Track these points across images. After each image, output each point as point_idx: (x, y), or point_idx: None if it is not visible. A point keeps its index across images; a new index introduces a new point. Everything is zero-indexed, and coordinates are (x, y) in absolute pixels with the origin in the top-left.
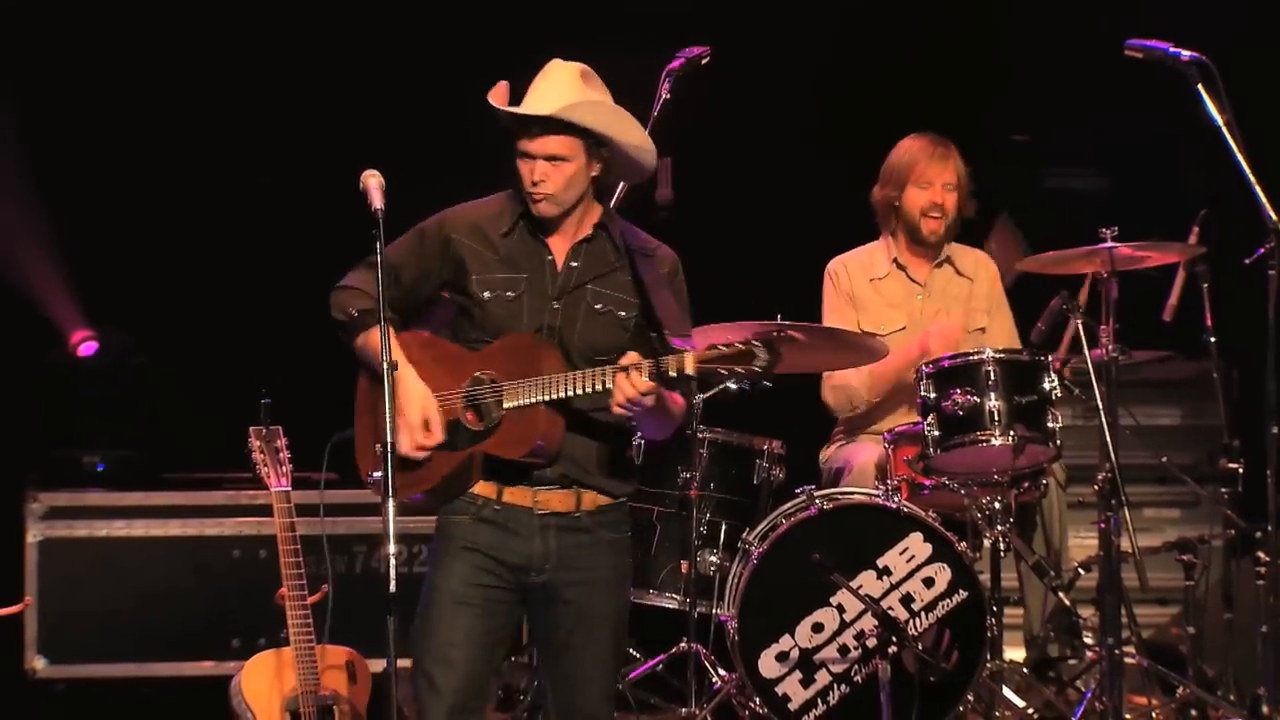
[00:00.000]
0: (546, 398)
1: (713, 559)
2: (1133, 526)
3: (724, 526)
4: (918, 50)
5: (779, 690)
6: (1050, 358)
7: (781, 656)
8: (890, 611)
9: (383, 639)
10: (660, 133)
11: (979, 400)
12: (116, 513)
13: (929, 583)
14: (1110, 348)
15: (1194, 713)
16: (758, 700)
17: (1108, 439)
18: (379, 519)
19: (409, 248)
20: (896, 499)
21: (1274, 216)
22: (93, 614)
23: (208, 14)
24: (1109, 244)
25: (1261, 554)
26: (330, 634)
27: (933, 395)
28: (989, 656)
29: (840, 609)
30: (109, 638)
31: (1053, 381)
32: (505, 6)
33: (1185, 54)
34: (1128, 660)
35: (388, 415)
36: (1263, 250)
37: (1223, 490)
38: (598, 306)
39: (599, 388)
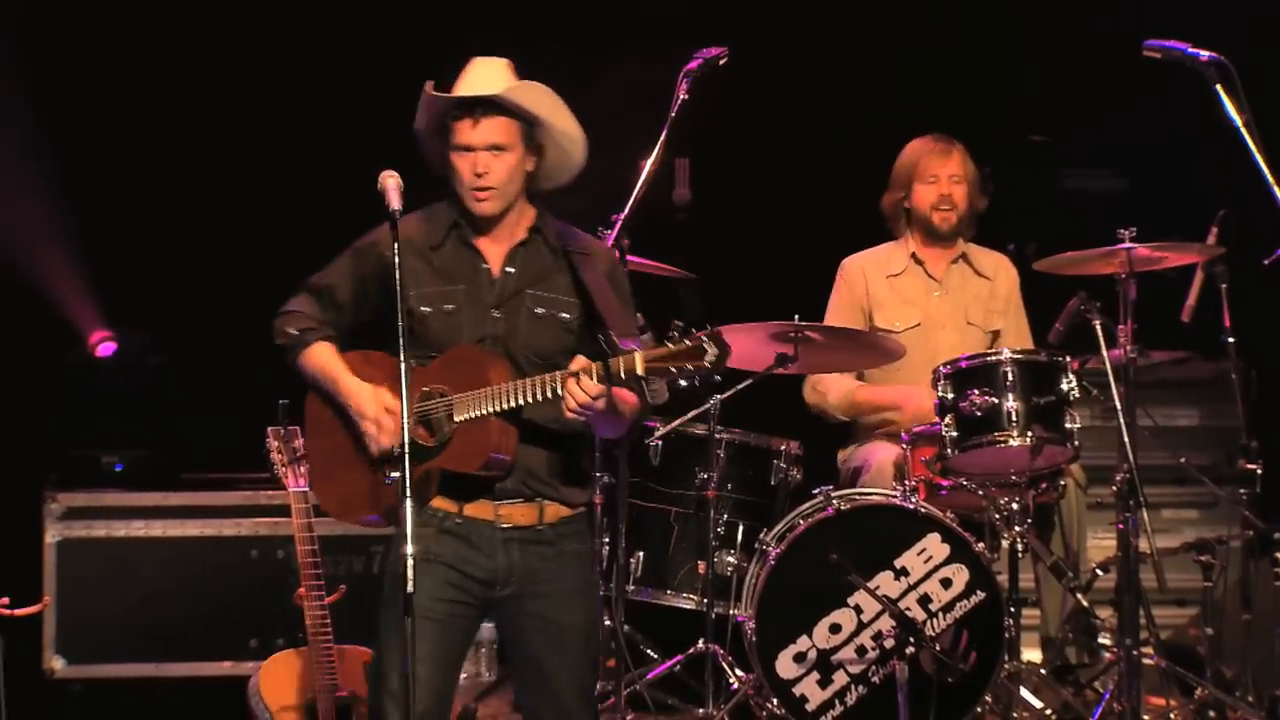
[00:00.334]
0: (497, 408)
1: (730, 559)
2: (1151, 527)
3: (741, 527)
4: (936, 51)
5: (796, 691)
6: (1068, 358)
7: (799, 657)
8: (908, 612)
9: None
10: (678, 134)
11: (997, 401)
12: (134, 513)
13: (947, 583)
14: (1128, 348)
15: (1212, 714)
16: (775, 701)
17: (1126, 440)
18: None
19: (344, 269)
20: (914, 499)
21: None
22: (111, 614)
23: (228, 15)
24: (1127, 244)
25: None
26: (348, 634)
27: (951, 396)
28: (1007, 657)
29: (858, 610)
30: (127, 638)
31: (1071, 382)
32: (520, 10)
33: (1204, 54)
34: (1146, 661)
35: (404, 414)
36: None
37: (1241, 491)
38: (539, 311)
39: (548, 395)
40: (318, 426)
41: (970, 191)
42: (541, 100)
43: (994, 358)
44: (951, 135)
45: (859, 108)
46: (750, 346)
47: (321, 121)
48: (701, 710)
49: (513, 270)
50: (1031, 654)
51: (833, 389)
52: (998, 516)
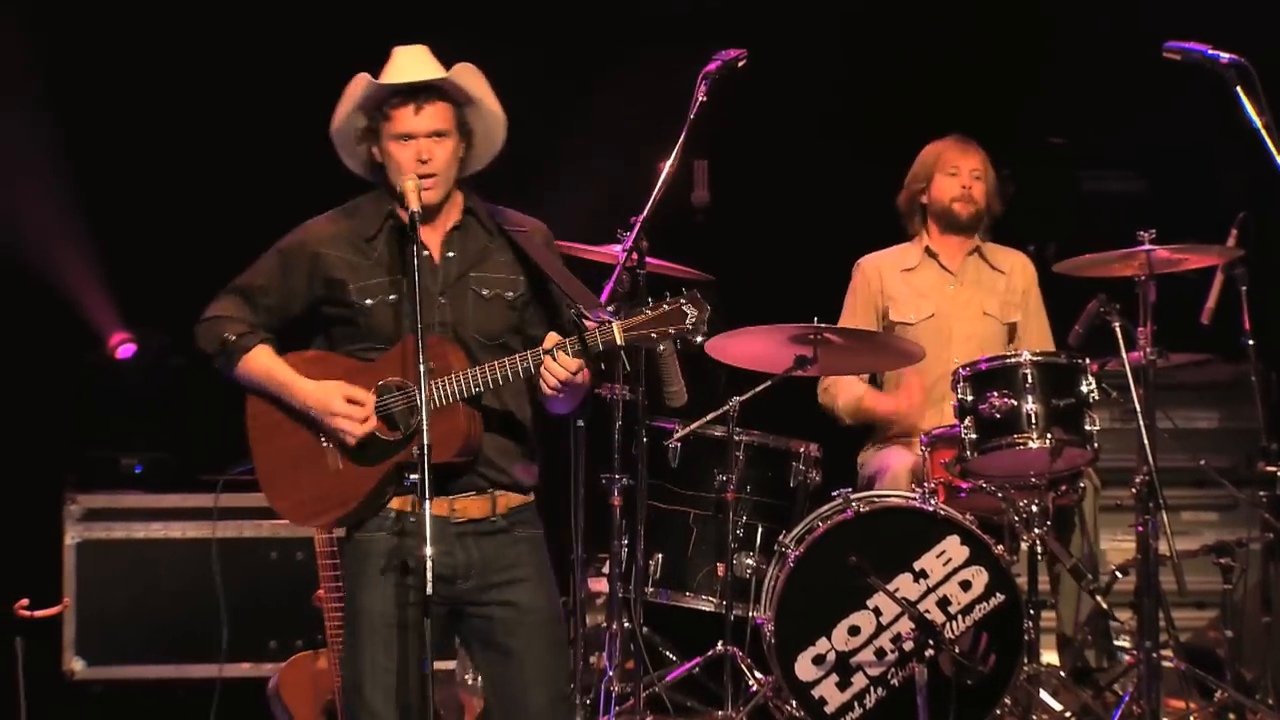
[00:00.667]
0: (469, 393)
1: (749, 561)
2: (1170, 530)
3: (760, 529)
4: (954, 52)
5: (815, 693)
6: (1088, 360)
7: (818, 659)
8: (927, 615)
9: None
10: (697, 136)
11: (1016, 403)
12: (154, 514)
13: (966, 586)
14: (1148, 350)
15: (1232, 716)
16: (794, 703)
17: (1145, 442)
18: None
19: (271, 269)
20: (933, 502)
21: None
22: (130, 616)
23: (245, 16)
24: (1147, 246)
25: None
26: None
27: (970, 398)
28: (1026, 660)
29: (877, 612)
30: (146, 639)
31: (1090, 384)
32: (532, 13)
33: (1224, 56)
34: (1165, 664)
35: (422, 417)
36: None
37: (1261, 493)
38: (484, 293)
39: (521, 374)
40: (266, 432)
41: (989, 191)
42: (476, 82)
43: (1013, 360)
44: (969, 136)
45: (878, 110)
46: (769, 348)
47: None
48: (720, 712)
49: (453, 254)
50: (1051, 656)
51: (841, 393)
52: (1017, 519)
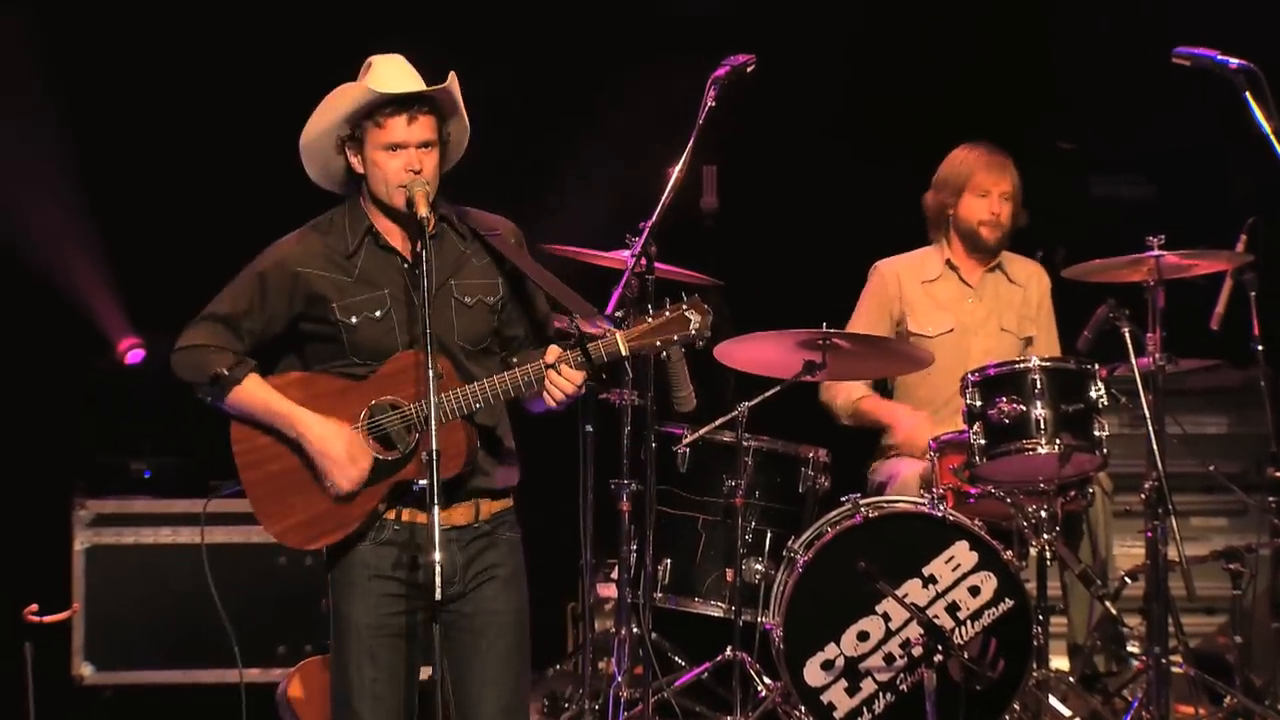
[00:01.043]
0: (470, 409)
1: (758, 567)
2: (1180, 535)
3: (769, 535)
4: (963, 57)
5: (824, 699)
6: (1097, 366)
7: (827, 665)
8: (936, 620)
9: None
10: (706, 141)
11: (1025, 408)
12: (163, 520)
13: (975, 591)
14: (1157, 356)
15: None
16: (803, 709)
17: (1155, 447)
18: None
19: (251, 293)
20: (942, 507)
21: None
22: (139, 621)
23: (254, 23)
24: (1156, 252)
25: None
26: None
27: (979, 403)
28: (1035, 665)
29: (886, 617)
30: (155, 644)
31: (1099, 390)
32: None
33: (1233, 61)
34: (1174, 669)
35: (431, 428)
36: None
37: (1270, 499)
38: (466, 300)
39: (521, 388)
40: (256, 456)
41: (1015, 209)
42: (457, 93)
43: (1022, 365)
44: (971, 142)
45: (886, 115)
46: (778, 354)
47: None
48: (729, 718)
49: (432, 264)
50: (1060, 662)
51: (840, 392)
52: (1026, 524)
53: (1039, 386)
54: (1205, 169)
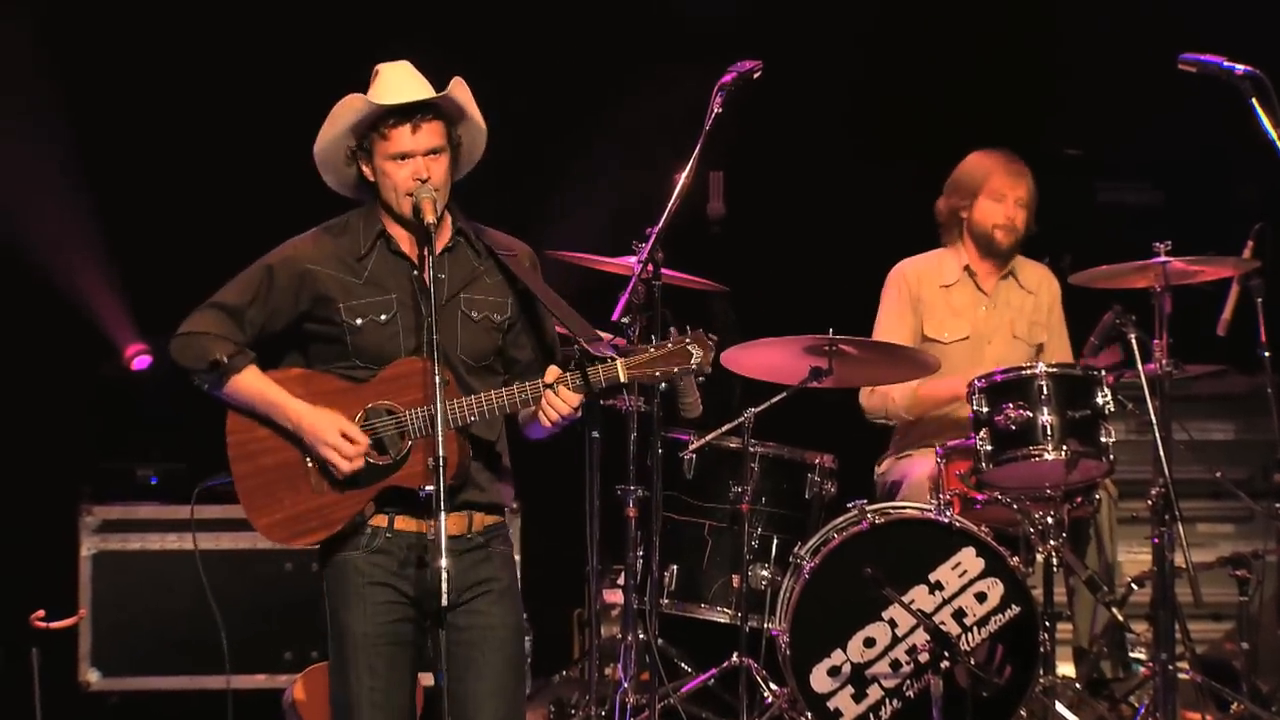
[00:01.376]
0: (465, 422)
1: (764, 573)
2: (1186, 542)
3: (775, 541)
4: (970, 63)
5: (831, 705)
6: (1103, 372)
7: (833, 671)
8: (942, 626)
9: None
10: (712, 147)
11: (1032, 415)
12: (169, 526)
13: (981, 597)
14: (1164, 362)
15: None
16: (809, 715)
17: (1161, 454)
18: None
19: (256, 285)
20: (949, 513)
21: None
22: (146, 627)
23: (261, 28)
24: (1162, 258)
25: None
26: None
27: (985, 410)
28: (1042, 672)
29: (892, 624)
30: (162, 651)
31: (1106, 396)
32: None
33: (1239, 68)
34: (1181, 676)
35: (439, 431)
36: None
37: (1277, 505)
38: (473, 315)
39: (518, 405)
40: (248, 450)
41: (1029, 216)
42: (467, 96)
43: (1029, 371)
44: (987, 148)
45: (893, 121)
46: (784, 360)
47: None
48: None
49: (443, 276)
50: (1067, 668)
51: (894, 389)
52: (1032, 530)
53: (1045, 393)
54: (1212, 175)
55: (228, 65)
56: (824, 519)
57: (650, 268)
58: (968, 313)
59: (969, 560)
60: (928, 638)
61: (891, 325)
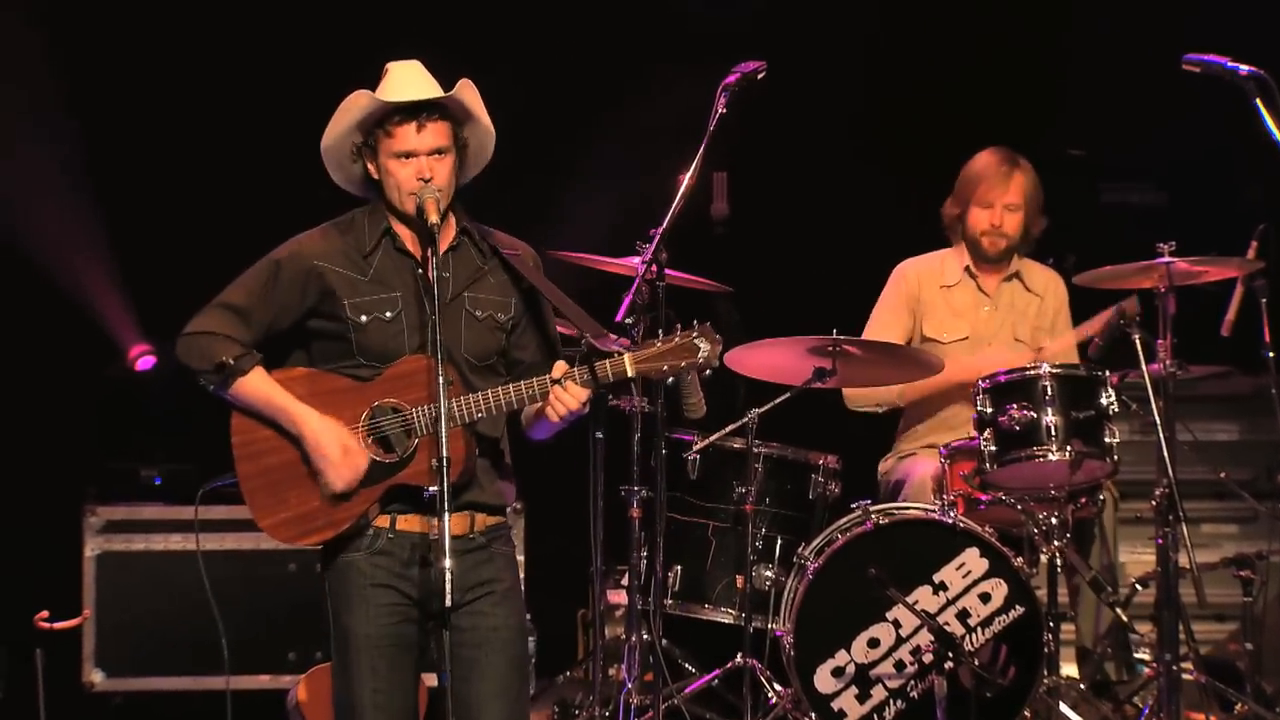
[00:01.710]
0: (472, 418)
1: (768, 574)
2: (1190, 542)
3: (779, 541)
4: (974, 64)
5: (835, 705)
6: (1107, 373)
7: (837, 672)
8: (946, 627)
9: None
10: (716, 148)
11: (1036, 415)
12: (173, 526)
13: (985, 598)
14: (1168, 363)
15: None
16: (813, 716)
17: (1165, 454)
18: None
19: (263, 283)
20: (953, 514)
21: None
22: (150, 627)
23: (265, 29)
24: (1166, 259)
25: None
26: None
27: (989, 410)
28: (1046, 672)
29: (896, 624)
30: (166, 651)
31: (1110, 396)
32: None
33: (1243, 68)
34: (1185, 676)
35: (441, 430)
36: None
37: None
38: (477, 314)
39: (525, 400)
40: (255, 449)
41: (1026, 218)
42: (474, 98)
43: (1033, 372)
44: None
45: (898, 121)
46: (788, 360)
47: None
48: None
49: (448, 274)
50: (1070, 669)
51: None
52: (1036, 531)
53: (1049, 393)
54: (1216, 175)
55: (233, 65)
56: (828, 519)
57: (654, 268)
58: (968, 314)
59: (973, 561)
60: (932, 638)
61: (884, 322)
